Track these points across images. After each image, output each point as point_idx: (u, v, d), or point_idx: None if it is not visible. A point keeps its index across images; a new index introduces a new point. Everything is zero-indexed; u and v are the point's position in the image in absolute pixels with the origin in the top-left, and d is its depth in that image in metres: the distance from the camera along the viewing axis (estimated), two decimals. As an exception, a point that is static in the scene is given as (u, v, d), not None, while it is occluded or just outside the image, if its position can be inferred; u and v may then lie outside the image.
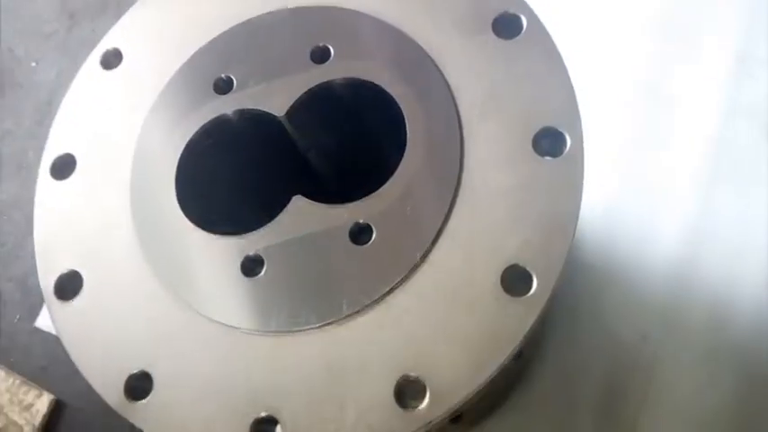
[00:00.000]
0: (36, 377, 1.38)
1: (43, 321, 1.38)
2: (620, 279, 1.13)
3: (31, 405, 1.35)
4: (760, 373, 1.06)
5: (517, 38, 0.68)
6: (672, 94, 1.21)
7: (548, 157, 0.63)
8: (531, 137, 0.63)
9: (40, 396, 1.36)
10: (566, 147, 0.62)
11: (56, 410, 1.34)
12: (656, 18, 1.27)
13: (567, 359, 1.10)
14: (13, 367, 1.39)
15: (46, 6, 1.96)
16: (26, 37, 1.91)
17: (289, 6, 0.75)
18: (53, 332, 1.30)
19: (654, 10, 1.27)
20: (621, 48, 1.26)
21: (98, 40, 0.82)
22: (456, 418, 1.03)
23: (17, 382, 1.37)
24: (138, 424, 0.61)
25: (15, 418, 1.34)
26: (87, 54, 0.84)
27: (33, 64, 1.92)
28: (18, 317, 1.43)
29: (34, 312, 1.42)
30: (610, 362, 1.09)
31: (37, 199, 0.74)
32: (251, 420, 0.58)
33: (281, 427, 0.58)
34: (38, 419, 1.33)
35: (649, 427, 1.05)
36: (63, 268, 0.69)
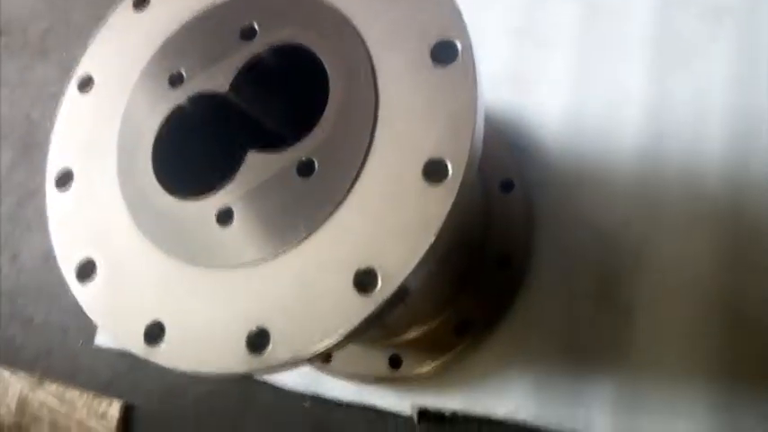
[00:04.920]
0: (104, 391, 1.53)
1: (101, 339, 1.54)
2: (592, 174, 1.20)
3: (106, 413, 1.51)
4: (743, 226, 1.10)
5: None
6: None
7: (446, 65, 0.73)
8: (429, 52, 0.74)
9: (111, 404, 1.51)
10: (458, 54, 0.72)
11: (127, 414, 1.50)
12: None
13: (558, 260, 1.18)
14: (82, 387, 1.55)
15: (47, 72, 2.12)
16: (38, 102, 2.07)
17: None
18: (112, 347, 1.46)
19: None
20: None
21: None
22: (461, 330, 1.13)
23: (90, 395, 1.53)
24: (159, 363, 0.74)
25: (94, 425, 1.50)
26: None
27: (48, 124, 2.09)
28: (81, 342, 1.59)
29: (93, 335, 1.57)
30: (598, 253, 1.16)
31: (48, 210, 0.88)
32: (245, 334, 0.70)
33: (271, 337, 0.69)
34: (113, 423, 1.48)
35: (646, 304, 1.12)
36: (80, 257, 0.83)
